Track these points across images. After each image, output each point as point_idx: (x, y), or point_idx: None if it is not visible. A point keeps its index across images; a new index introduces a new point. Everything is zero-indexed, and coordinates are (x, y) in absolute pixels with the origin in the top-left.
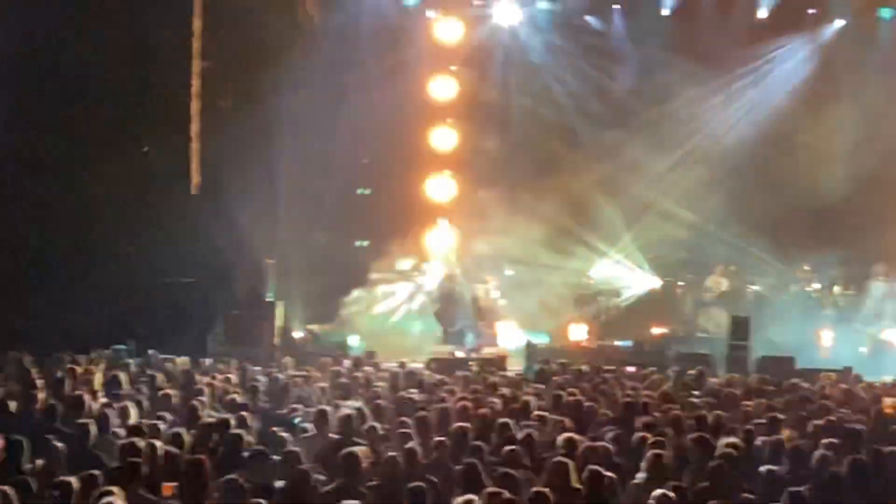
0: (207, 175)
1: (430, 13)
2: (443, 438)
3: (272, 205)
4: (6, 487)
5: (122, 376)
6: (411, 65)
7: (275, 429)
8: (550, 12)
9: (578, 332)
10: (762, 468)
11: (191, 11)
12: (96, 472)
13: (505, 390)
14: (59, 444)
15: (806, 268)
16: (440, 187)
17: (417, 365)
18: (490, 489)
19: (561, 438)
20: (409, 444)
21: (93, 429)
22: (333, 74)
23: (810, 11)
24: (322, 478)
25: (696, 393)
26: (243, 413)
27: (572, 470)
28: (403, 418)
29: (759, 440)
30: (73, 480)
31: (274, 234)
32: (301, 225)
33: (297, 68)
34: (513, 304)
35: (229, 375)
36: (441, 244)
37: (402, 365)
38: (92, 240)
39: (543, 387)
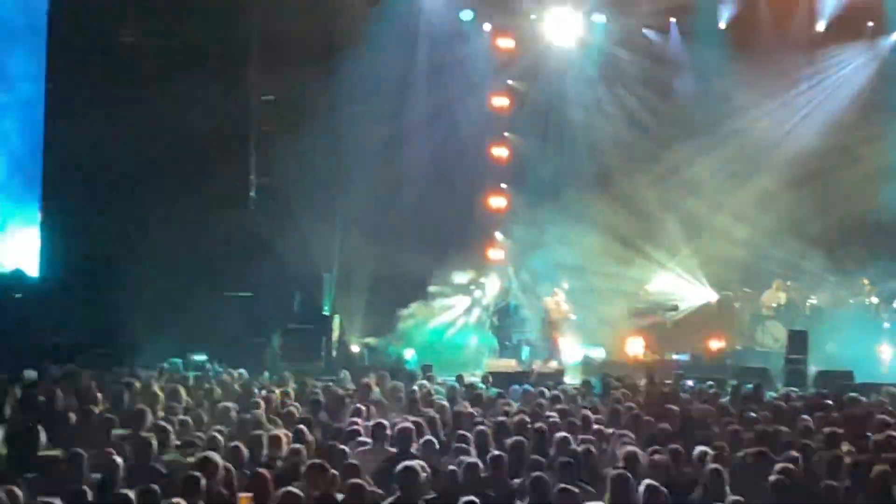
0: (266, 189)
1: (486, 27)
2: (500, 453)
3: (330, 218)
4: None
5: (181, 390)
6: (468, 79)
7: (333, 442)
8: (606, 25)
9: (635, 346)
10: (821, 484)
11: (250, 24)
12: (155, 486)
13: (562, 404)
14: (118, 458)
15: (865, 281)
16: (498, 201)
17: (474, 378)
18: None
19: (620, 453)
20: (467, 459)
21: (154, 442)
22: (392, 88)
23: (869, 24)
24: (379, 491)
25: (753, 407)
26: (301, 426)
27: (633, 484)
28: (461, 432)
29: (817, 455)
30: (132, 494)
31: (331, 248)
32: (358, 238)
33: (356, 82)
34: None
35: (287, 389)
36: (499, 258)
37: (460, 378)
38: (151, 253)
39: (601, 401)
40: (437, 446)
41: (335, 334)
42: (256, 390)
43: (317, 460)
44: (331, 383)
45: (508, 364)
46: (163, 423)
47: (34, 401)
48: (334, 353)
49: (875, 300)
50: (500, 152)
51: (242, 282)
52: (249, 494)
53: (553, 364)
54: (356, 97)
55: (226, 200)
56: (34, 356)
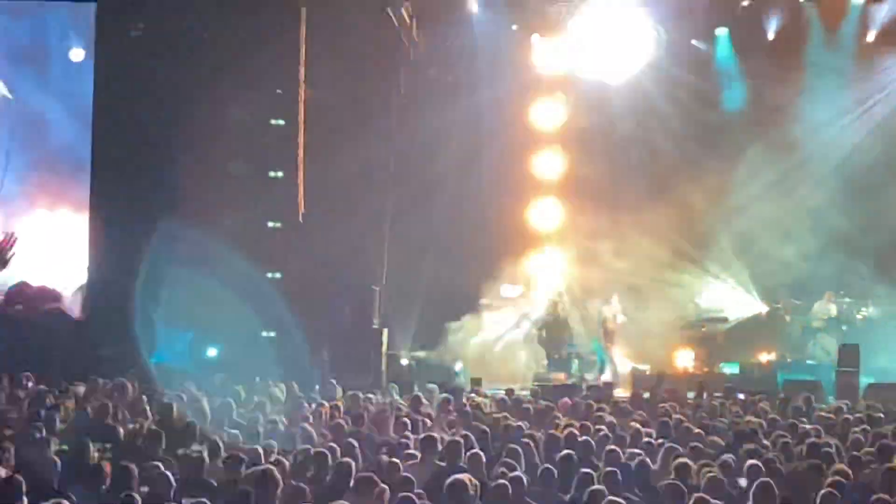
0: (314, 203)
1: (533, 38)
2: (550, 466)
3: (378, 232)
4: None
5: (231, 403)
6: (516, 90)
7: (383, 455)
8: (653, 37)
9: (685, 358)
10: (872, 497)
11: (298, 39)
12: (205, 500)
13: (611, 417)
14: (167, 471)
15: None
16: (546, 213)
17: (523, 392)
18: None
19: (672, 465)
20: (515, 472)
21: (206, 456)
22: (438, 100)
23: None
24: None
25: (804, 420)
26: (350, 440)
27: (686, 497)
28: (510, 445)
29: (868, 469)
30: None
31: (380, 261)
32: (407, 251)
33: (402, 94)
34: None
35: (336, 402)
36: (547, 270)
37: (510, 392)
38: (200, 266)
39: (649, 413)
40: (485, 460)
41: (384, 348)
42: (306, 404)
43: (366, 474)
44: (380, 397)
45: (558, 377)
46: (213, 436)
47: (84, 414)
48: (383, 367)
49: None
50: (548, 165)
51: (292, 294)
52: None
53: (608, 374)
54: (402, 109)
55: (276, 213)
56: (84, 369)
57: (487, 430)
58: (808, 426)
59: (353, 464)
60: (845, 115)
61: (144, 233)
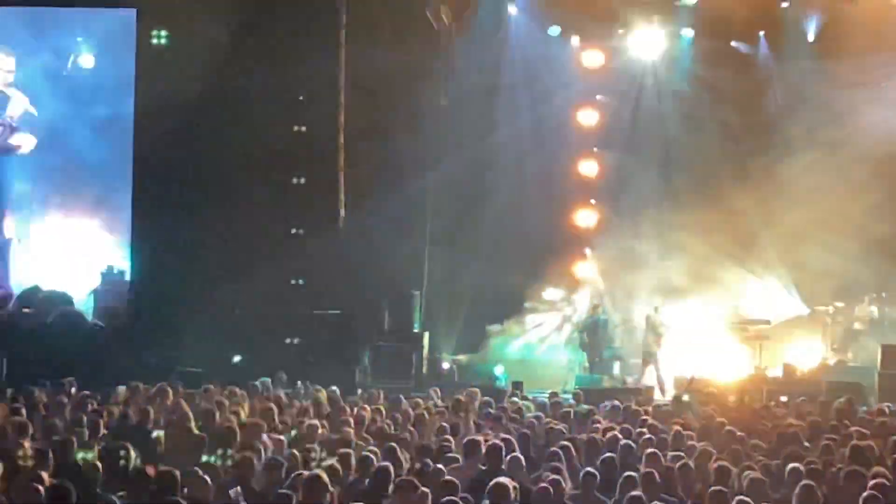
0: (354, 207)
1: (573, 42)
2: (592, 470)
3: (419, 236)
4: None
5: (273, 408)
6: (555, 94)
7: (425, 459)
8: (695, 39)
9: (727, 360)
10: None
11: (337, 43)
12: None
13: (653, 420)
14: (206, 476)
15: None
16: (587, 216)
17: (564, 395)
18: None
19: (713, 468)
20: (556, 476)
21: (256, 461)
22: (478, 104)
23: None
24: None
25: (846, 423)
26: (392, 444)
27: (728, 501)
28: (552, 449)
29: None
30: None
31: (421, 265)
32: (447, 255)
33: (441, 99)
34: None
35: (378, 406)
36: (588, 274)
37: (552, 395)
38: (241, 272)
39: (691, 417)
40: (525, 463)
41: (425, 351)
42: (347, 408)
43: (406, 478)
44: (421, 400)
45: (599, 380)
46: (256, 441)
47: (126, 419)
48: (424, 371)
49: None
50: (589, 167)
51: (332, 300)
52: None
53: (652, 378)
54: (445, 113)
55: (315, 219)
56: (125, 374)
57: (528, 433)
58: (850, 428)
59: (394, 468)
60: (889, 112)
61: (186, 240)
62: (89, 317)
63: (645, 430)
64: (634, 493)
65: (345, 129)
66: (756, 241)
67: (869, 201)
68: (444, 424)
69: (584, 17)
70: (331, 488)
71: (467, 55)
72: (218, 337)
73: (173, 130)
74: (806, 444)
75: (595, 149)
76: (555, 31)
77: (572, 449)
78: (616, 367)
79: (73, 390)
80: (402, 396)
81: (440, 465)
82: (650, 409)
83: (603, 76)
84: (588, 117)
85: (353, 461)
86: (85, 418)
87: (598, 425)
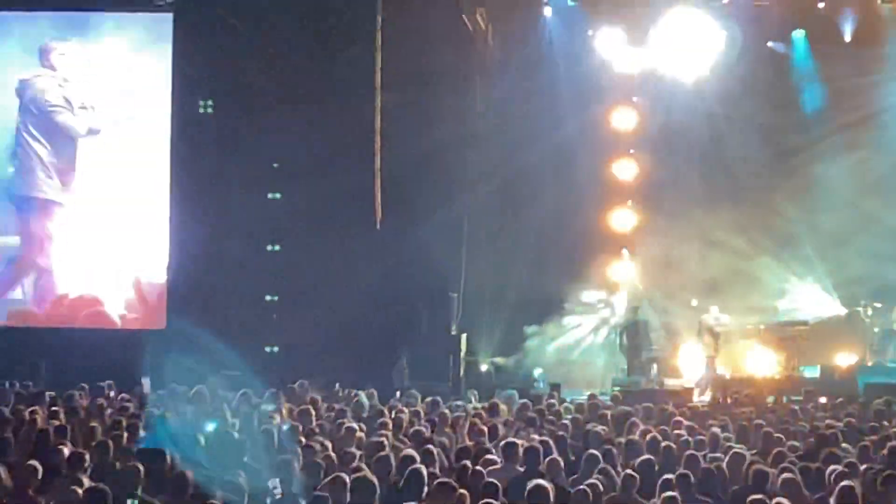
0: (391, 210)
1: (609, 42)
2: (631, 472)
3: (457, 238)
4: None
5: (311, 411)
6: (593, 96)
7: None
8: (730, 39)
9: (765, 361)
10: None
11: (374, 45)
12: None
13: (690, 421)
14: (241, 479)
15: None
16: (624, 218)
17: (603, 397)
18: None
19: (750, 470)
20: (593, 479)
21: (295, 464)
22: (515, 106)
23: None
24: None
25: (885, 424)
26: (429, 447)
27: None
28: (590, 451)
29: None
30: None
31: (458, 267)
32: (485, 257)
33: (477, 101)
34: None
35: (415, 409)
36: (626, 275)
37: (592, 396)
38: (280, 275)
39: (728, 418)
40: (563, 465)
41: (462, 354)
42: (386, 411)
43: (444, 479)
44: (459, 402)
45: (637, 382)
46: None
47: (165, 422)
48: (462, 373)
49: None
50: (626, 169)
51: (370, 302)
52: None
53: (695, 380)
54: (482, 116)
55: (353, 221)
56: (164, 377)
57: (566, 435)
58: (889, 430)
59: (432, 470)
60: None
61: (225, 243)
62: None
63: (683, 431)
64: (672, 493)
65: (381, 131)
66: (796, 241)
67: None
68: (483, 427)
69: (620, 19)
70: (378, 490)
71: (503, 57)
72: (257, 339)
73: (210, 129)
74: (844, 445)
75: (632, 150)
76: (591, 32)
77: (611, 451)
78: (654, 369)
79: (112, 394)
80: (439, 399)
81: (480, 468)
82: (686, 410)
83: (640, 78)
84: (625, 119)
85: (392, 463)
86: (125, 422)
87: (635, 427)
